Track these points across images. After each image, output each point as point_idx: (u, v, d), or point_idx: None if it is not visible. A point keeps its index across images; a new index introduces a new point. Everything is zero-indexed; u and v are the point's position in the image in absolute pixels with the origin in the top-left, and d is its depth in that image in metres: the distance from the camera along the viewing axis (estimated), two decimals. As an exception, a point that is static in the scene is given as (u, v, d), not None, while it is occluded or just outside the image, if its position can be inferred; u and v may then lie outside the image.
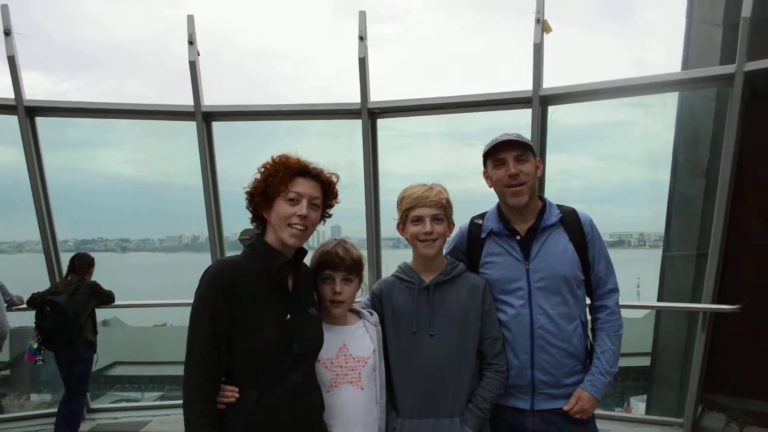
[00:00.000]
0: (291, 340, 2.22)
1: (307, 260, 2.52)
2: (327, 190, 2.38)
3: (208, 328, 2.11)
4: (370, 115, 6.36)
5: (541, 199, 2.79)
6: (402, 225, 2.67)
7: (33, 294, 5.61)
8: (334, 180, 2.41)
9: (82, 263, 5.90)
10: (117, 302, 6.26)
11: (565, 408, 2.61)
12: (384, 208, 6.55)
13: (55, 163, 6.64)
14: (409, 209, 2.60)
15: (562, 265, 2.64)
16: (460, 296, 2.60)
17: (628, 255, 8.91)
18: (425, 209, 2.56)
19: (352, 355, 2.50)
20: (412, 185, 2.66)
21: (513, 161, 2.62)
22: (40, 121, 6.44)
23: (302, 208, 2.24)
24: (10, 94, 6.17)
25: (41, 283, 5.85)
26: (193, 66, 6.27)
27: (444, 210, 2.59)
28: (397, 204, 2.69)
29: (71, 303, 5.50)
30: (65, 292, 5.59)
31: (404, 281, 2.67)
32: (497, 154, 2.66)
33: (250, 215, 2.39)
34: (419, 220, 2.57)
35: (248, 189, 2.34)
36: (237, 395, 2.15)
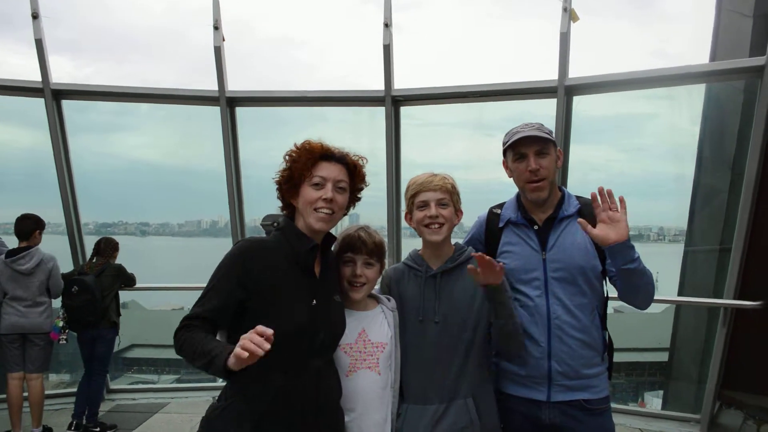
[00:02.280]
0: (317, 326, 2.23)
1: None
2: (353, 173, 2.38)
3: (234, 284, 2.11)
4: (393, 102, 6.33)
5: (560, 189, 2.77)
6: (409, 214, 2.67)
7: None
8: (361, 163, 2.41)
9: (108, 246, 6.04)
10: (140, 285, 6.38)
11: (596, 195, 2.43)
12: (404, 197, 6.51)
13: (76, 147, 6.70)
14: (414, 195, 2.60)
15: (579, 255, 2.62)
16: (466, 283, 2.57)
17: (647, 249, 8.82)
18: (430, 193, 2.56)
19: (371, 340, 2.52)
20: (418, 174, 2.67)
21: (533, 156, 2.60)
22: (65, 104, 6.51)
23: (327, 191, 2.24)
24: (36, 77, 6.23)
25: (64, 265, 5.92)
26: (218, 51, 6.28)
27: (449, 195, 2.58)
28: (404, 194, 2.70)
29: (98, 283, 5.65)
30: (92, 272, 5.73)
31: (413, 269, 2.67)
32: (518, 148, 2.63)
33: (270, 200, 2.42)
34: (425, 205, 2.57)
35: (276, 179, 2.35)
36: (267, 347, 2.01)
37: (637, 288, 2.52)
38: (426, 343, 2.55)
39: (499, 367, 2.74)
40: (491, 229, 2.83)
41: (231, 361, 1.83)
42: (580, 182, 6.83)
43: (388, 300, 2.63)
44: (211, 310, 2.09)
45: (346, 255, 2.52)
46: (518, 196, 2.80)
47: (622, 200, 2.42)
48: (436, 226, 2.56)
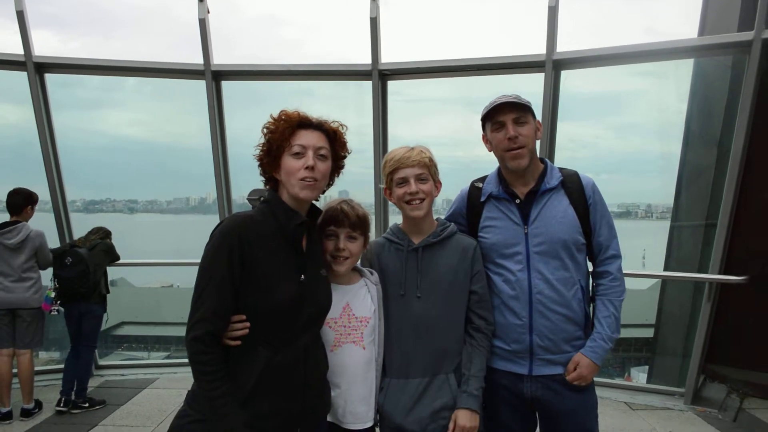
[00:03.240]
0: (305, 302, 2.21)
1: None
2: (334, 139, 2.32)
3: (226, 270, 2.07)
4: (380, 76, 6.30)
5: (543, 161, 2.74)
6: (389, 190, 2.64)
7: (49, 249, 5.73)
8: (341, 130, 2.35)
9: (101, 230, 6.10)
10: (128, 260, 6.46)
11: (567, 377, 2.60)
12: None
13: (62, 124, 6.63)
14: (392, 172, 2.57)
15: (562, 228, 2.60)
16: (449, 258, 2.58)
17: (634, 226, 8.89)
18: (408, 170, 2.53)
19: (355, 314, 2.51)
20: (395, 149, 2.64)
21: (512, 124, 2.58)
22: (49, 79, 6.42)
23: (308, 159, 2.19)
24: (19, 51, 6.14)
25: (51, 242, 5.90)
26: (202, 23, 6.21)
27: (428, 169, 2.56)
28: (382, 169, 2.66)
29: (91, 256, 5.67)
30: (85, 246, 5.76)
31: (394, 243, 2.65)
32: (496, 116, 2.61)
33: (258, 177, 2.35)
34: (404, 181, 2.54)
35: (256, 154, 2.30)
36: (248, 324, 2.13)
37: None
38: (407, 318, 2.55)
39: None
40: (473, 203, 2.80)
41: None
42: (569, 158, 6.85)
43: (371, 273, 2.62)
44: (218, 316, 2.08)
45: (329, 228, 2.49)
46: (499, 170, 2.77)
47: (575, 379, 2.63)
48: (417, 201, 2.54)
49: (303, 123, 2.24)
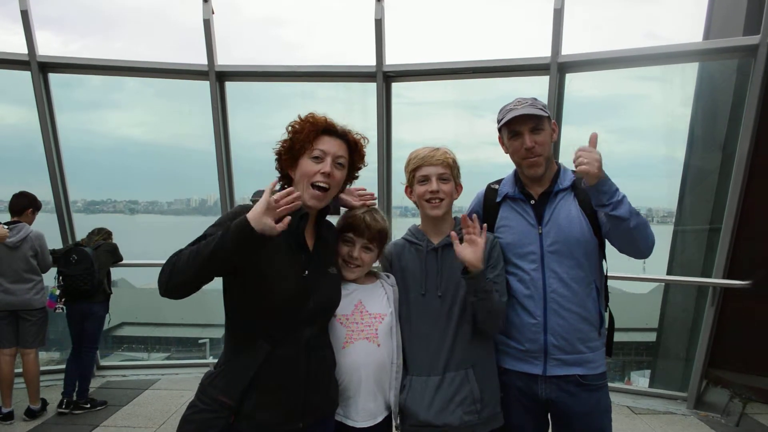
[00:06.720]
0: (307, 296, 2.22)
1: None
2: (354, 150, 2.37)
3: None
4: (385, 78, 6.29)
5: (557, 163, 2.77)
6: (409, 188, 2.67)
7: (52, 250, 5.71)
8: (362, 142, 2.40)
9: (102, 231, 6.10)
10: (129, 261, 6.40)
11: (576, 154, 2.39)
12: (395, 175, 6.51)
13: (63, 125, 6.61)
14: (415, 169, 2.59)
15: (574, 228, 2.61)
16: None
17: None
18: (431, 168, 2.55)
19: (368, 311, 2.51)
20: (419, 148, 2.65)
21: (528, 134, 2.59)
22: (52, 79, 6.41)
23: (326, 165, 2.23)
24: (22, 50, 6.14)
25: (53, 242, 5.89)
26: (207, 24, 6.20)
27: (450, 170, 2.58)
28: (405, 167, 2.69)
29: (96, 255, 5.67)
30: (89, 246, 5.76)
31: (413, 244, 2.67)
32: (512, 126, 2.62)
33: (262, 177, 2.40)
34: (426, 179, 2.56)
35: (276, 149, 2.34)
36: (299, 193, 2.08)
37: (625, 236, 2.50)
38: (428, 316, 2.56)
39: (494, 341, 2.74)
40: (489, 204, 2.83)
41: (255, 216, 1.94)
42: (570, 163, 6.82)
43: (388, 277, 2.64)
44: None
45: (347, 234, 2.53)
46: (515, 172, 2.79)
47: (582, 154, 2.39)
48: (437, 201, 2.56)
49: (328, 129, 2.30)
